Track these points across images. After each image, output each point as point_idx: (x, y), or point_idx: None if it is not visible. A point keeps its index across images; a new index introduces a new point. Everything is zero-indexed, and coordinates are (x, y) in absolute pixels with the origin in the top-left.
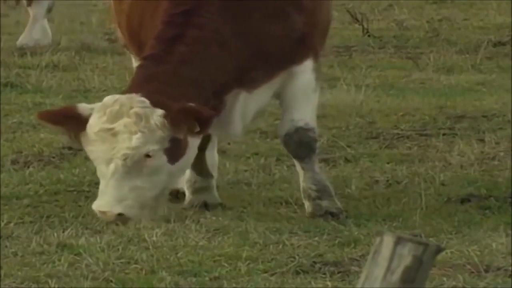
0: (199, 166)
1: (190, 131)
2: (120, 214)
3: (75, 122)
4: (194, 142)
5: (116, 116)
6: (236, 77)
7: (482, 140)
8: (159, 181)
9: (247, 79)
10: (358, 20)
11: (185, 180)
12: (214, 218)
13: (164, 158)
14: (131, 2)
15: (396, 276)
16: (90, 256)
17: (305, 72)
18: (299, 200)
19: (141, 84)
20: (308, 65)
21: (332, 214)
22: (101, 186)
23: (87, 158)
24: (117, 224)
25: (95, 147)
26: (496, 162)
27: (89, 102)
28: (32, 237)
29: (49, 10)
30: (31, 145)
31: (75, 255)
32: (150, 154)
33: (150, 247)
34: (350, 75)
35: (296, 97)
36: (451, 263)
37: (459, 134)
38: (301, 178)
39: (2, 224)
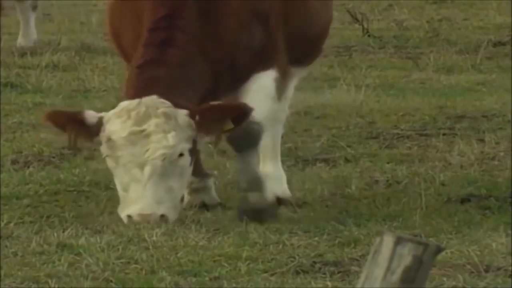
0: (195, 167)
1: (223, 128)
2: (162, 216)
3: (80, 127)
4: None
5: (143, 118)
6: (210, 86)
7: (482, 140)
8: (184, 182)
9: (217, 88)
10: (358, 20)
11: None
12: (214, 218)
13: (189, 158)
14: (112, 4)
15: (396, 276)
16: (90, 256)
17: (263, 78)
18: (299, 200)
19: (147, 88)
20: (269, 74)
21: (258, 211)
22: (136, 191)
23: (87, 158)
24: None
25: (125, 151)
26: (496, 162)
27: (89, 102)
28: (32, 237)
29: (34, 8)
30: (31, 145)
31: (75, 255)
32: (183, 152)
33: (150, 247)
34: (350, 75)
35: (247, 93)
36: (451, 263)
37: (459, 134)
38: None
39: (2, 224)
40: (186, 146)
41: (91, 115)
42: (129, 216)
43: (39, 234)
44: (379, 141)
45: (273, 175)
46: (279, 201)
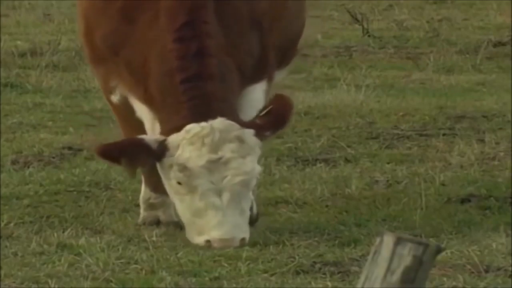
0: (154, 182)
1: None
2: (242, 239)
3: (135, 154)
4: None
5: (218, 144)
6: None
7: (482, 140)
8: (250, 201)
9: None
10: (358, 20)
11: (140, 196)
12: None
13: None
14: (91, 1)
15: (396, 276)
16: (90, 256)
17: (254, 93)
18: (299, 200)
19: (201, 106)
20: (260, 86)
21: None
22: (214, 217)
23: (87, 158)
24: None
25: (204, 179)
26: (496, 162)
27: (89, 102)
28: (32, 237)
29: None
30: (31, 145)
31: (75, 255)
32: (258, 175)
33: (150, 247)
34: (350, 75)
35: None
36: (451, 263)
37: (459, 134)
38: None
39: (2, 224)
40: (260, 168)
41: (153, 141)
42: (207, 241)
43: (39, 234)
44: (379, 141)
45: None
46: None
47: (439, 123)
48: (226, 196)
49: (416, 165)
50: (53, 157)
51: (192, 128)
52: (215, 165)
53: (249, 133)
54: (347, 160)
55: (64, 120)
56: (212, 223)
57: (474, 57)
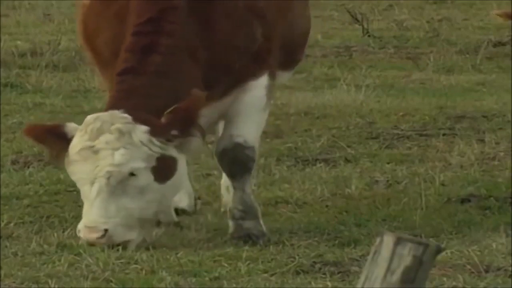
0: None
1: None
2: (106, 230)
3: (59, 141)
4: (183, 160)
5: (97, 134)
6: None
7: (482, 140)
8: (147, 202)
9: (209, 93)
10: (358, 20)
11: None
12: (214, 218)
13: (150, 177)
14: (87, 6)
15: (396, 276)
16: (90, 256)
17: (256, 89)
18: (299, 200)
19: (120, 100)
20: (261, 81)
21: (253, 236)
22: (86, 207)
23: None
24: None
25: (77, 167)
26: (496, 162)
27: (89, 102)
28: (32, 237)
29: None
30: (31, 145)
31: (75, 255)
32: (135, 172)
33: (150, 247)
34: (350, 75)
35: (240, 113)
36: (451, 263)
37: (459, 134)
38: (230, 197)
39: (2, 224)
40: (138, 165)
41: (72, 128)
42: (78, 231)
43: (39, 234)
44: (379, 141)
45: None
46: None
47: (439, 123)
48: (95, 186)
49: (416, 165)
50: None
51: (88, 117)
52: (88, 153)
53: (139, 129)
54: (347, 160)
55: (64, 120)
56: (83, 213)
57: (474, 57)
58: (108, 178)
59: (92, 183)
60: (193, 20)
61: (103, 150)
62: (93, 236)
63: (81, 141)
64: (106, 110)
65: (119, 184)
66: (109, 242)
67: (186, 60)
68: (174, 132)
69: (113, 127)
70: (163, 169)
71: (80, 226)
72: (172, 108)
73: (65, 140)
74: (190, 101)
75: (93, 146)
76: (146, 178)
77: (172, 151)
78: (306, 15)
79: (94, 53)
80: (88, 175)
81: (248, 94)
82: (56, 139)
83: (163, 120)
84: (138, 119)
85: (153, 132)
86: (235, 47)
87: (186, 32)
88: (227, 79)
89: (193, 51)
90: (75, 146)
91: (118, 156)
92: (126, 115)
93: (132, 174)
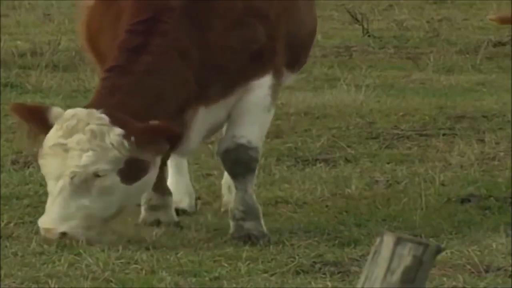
0: (156, 183)
1: (158, 150)
2: (64, 233)
3: (40, 124)
4: (156, 162)
5: (71, 132)
6: (196, 92)
7: (482, 140)
8: (110, 202)
9: (205, 94)
10: (358, 20)
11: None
12: (214, 218)
13: (116, 178)
14: (90, 8)
15: (396, 276)
16: (90, 256)
17: (260, 88)
18: (299, 200)
19: (103, 98)
20: (265, 81)
21: (253, 237)
22: (48, 203)
23: None
24: (63, 245)
25: (47, 161)
26: (496, 162)
27: None
28: (32, 237)
29: None
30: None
31: (75, 255)
32: (100, 174)
33: (150, 247)
34: (350, 75)
35: (243, 113)
36: (451, 263)
37: (459, 134)
38: (232, 197)
39: (2, 224)
40: (104, 167)
41: (55, 114)
42: (39, 226)
43: (39, 234)
44: (379, 141)
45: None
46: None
47: (439, 123)
48: (59, 184)
49: (416, 165)
50: None
51: (67, 111)
52: (58, 150)
53: (114, 131)
54: (347, 160)
55: None
56: (46, 207)
57: (474, 57)
58: (72, 178)
59: (57, 180)
60: (188, 20)
61: (73, 150)
62: (50, 237)
63: (55, 136)
64: (88, 106)
65: (83, 183)
66: (70, 239)
67: (177, 60)
68: (146, 138)
69: (87, 127)
70: (132, 171)
71: (39, 223)
72: (158, 123)
73: (45, 124)
74: (172, 126)
75: (65, 144)
76: (111, 179)
77: (143, 155)
78: (312, 14)
79: (96, 54)
80: (55, 170)
81: (251, 94)
82: (37, 122)
83: (139, 125)
84: (115, 120)
85: (127, 136)
86: (230, 47)
87: (180, 33)
88: (223, 79)
89: (186, 51)
90: (49, 139)
91: (85, 158)
92: (103, 115)
93: (97, 175)
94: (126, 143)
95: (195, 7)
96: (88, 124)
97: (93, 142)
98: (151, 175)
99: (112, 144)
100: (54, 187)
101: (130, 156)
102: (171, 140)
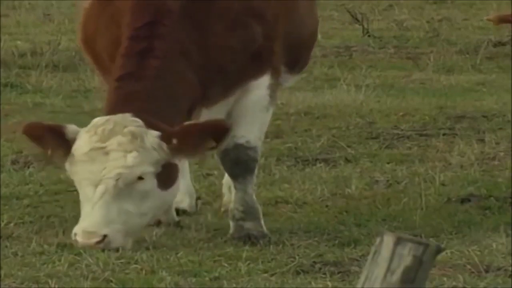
0: None
1: (202, 150)
2: (105, 236)
3: (57, 141)
4: (182, 168)
5: (109, 135)
6: (200, 93)
7: (482, 140)
8: (148, 207)
9: (206, 94)
10: (358, 20)
11: None
12: (214, 218)
13: (154, 182)
14: (86, 9)
15: (396, 276)
16: (90, 256)
17: (258, 89)
18: (299, 200)
19: (121, 106)
20: (263, 81)
21: (253, 237)
22: (86, 210)
23: None
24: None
25: (82, 167)
26: (496, 162)
27: (89, 102)
28: (32, 237)
29: None
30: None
31: (75, 255)
32: (144, 176)
33: (150, 247)
34: (350, 75)
35: (242, 113)
36: (451, 263)
37: (459, 134)
38: (232, 197)
39: (2, 224)
40: (148, 170)
41: (72, 130)
42: (75, 235)
43: (39, 234)
44: (379, 141)
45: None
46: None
47: (439, 123)
48: (100, 188)
49: (416, 165)
50: None
51: (96, 119)
52: (96, 154)
53: (151, 133)
54: (347, 160)
55: (64, 120)
56: (82, 215)
57: (474, 57)
58: (117, 180)
59: (96, 185)
60: (187, 22)
61: (115, 151)
62: (92, 240)
63: (91, 141)
64: (107, 114)
65: (126, 187)
66: (106, 247)
67: (183, 62)
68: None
69: (126, 129)
70: (167, 176)
71: (77, 229)
72: (188, 122)
73: (63, 140)
74: (212, 124)
75: (104, 147)
76: (151, 183)
77: (175, 159)
78: (313, 15)
79: (92, 55)
80: (93, 176)
81: (250, 94)
82: (54, 139)
83: (169, 128)
84: (147, 124)
85: (162, 138)
86: (229, 48)
87: (180, 35)
88: (223, 79)
89: (187, 53)
90: (82, 146)
91: (131, 158)
92: (137, 118)
93: (140, 178)
94: (163, 145)
95: (193, 8)
96: (125, 126)
97: (135, 143)
98: (179, 181)
99: (152, 146)
100: (92, 192)
101: (167, 160)
102: (219, 135)
